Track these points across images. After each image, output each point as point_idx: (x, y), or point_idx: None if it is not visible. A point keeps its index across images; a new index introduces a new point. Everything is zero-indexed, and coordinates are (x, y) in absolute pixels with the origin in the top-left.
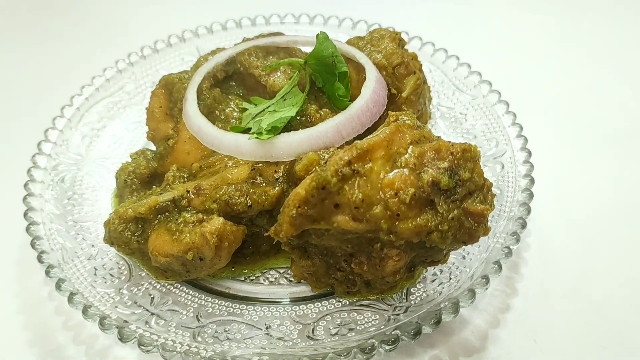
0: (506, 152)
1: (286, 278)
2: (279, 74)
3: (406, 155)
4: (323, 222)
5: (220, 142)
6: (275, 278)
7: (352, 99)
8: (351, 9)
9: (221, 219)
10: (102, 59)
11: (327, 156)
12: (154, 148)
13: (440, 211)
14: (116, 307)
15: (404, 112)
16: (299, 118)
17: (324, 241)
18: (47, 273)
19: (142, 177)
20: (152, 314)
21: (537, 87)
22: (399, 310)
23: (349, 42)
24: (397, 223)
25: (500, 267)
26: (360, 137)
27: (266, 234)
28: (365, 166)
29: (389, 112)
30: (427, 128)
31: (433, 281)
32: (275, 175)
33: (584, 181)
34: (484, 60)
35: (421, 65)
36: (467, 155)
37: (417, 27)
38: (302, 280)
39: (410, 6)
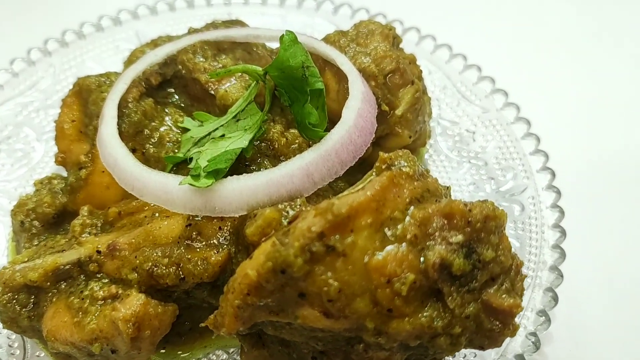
0: (527, 189)
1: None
2: (233, 81)
3: (404, 223)
4: (282, 315)
5: (142, 186)
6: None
7: (331, 116)
8: None
9: (142, 296)
10: (10, 46)
11: (291, 212)
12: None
13: (451, 306)
14: None
15: (400, 154)
16: (257, 142)
17: (284, 335)
18: None
19: (45, 217)
20: None
21: (565, 97)
22: None
23: (327, 39)
24: (389, 322)
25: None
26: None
27: (202, 325)
28: (345, 240)
29: (380, 153)
30: (432, 177)
31: None
32: (218, 235)
33: (627, 232)
34: (496, 60)
35: (421, 71)
36: (491, 226)
37: (413, 14)
38: None
39: None
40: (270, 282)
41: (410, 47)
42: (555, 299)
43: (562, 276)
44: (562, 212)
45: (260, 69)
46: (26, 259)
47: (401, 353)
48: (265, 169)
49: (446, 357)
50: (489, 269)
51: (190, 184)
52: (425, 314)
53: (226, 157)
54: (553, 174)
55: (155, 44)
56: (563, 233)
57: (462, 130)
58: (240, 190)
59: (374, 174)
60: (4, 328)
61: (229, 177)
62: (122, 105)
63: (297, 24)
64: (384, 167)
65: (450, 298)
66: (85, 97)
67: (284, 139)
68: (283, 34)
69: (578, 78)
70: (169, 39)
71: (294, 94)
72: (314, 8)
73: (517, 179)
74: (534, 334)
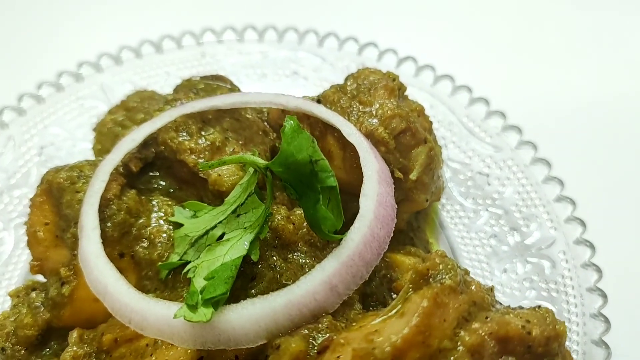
0: (556, 242)
1: None
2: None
3: (456, 355)
4: None
5: (141, 319)
6: None
7: (340, 185)
8: (314, 19)
9: None
10: None
11: (319, 337)
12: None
13: None
14: None
15: (438, 261)
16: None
17: None
18: None
19: (28, 341)
20: None
21: (584, 133)
22: None
23: (326, 99)
24: None
25: None
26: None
27: None
28: None
29: (415, 265)
30: (474, 281)
31: None
32: None
33: None
34: (503, 91)
35: (431, 123)
36: (554, 347)
37: (406, 41)
38: None
39: (394, 16)
40: None
41: (407, 79)
42: None
43: (609, 349)
44: (599, 270)
45: (262, 161)
46: None
47: None
48: (274, 265)
49: None
50: None
51: (187, 319)
52: None
53: (225, 275)
54: (584, 225)
55: (125, 107)
56: (604, 296)
57: (474, 173)
58: (257, 318)
59: (410, 289)
60: None
61: (242, 302)
62: (102, 204)
63: (279, 60)
64: (421, 281)
65: None
66: (57, 196)
67: (291, 225)
68: (285, 124)
69: (598, 107)
70: (140, 98)
71: (301, 189)
72: (296, 41)
73: (542, 230)
74: None
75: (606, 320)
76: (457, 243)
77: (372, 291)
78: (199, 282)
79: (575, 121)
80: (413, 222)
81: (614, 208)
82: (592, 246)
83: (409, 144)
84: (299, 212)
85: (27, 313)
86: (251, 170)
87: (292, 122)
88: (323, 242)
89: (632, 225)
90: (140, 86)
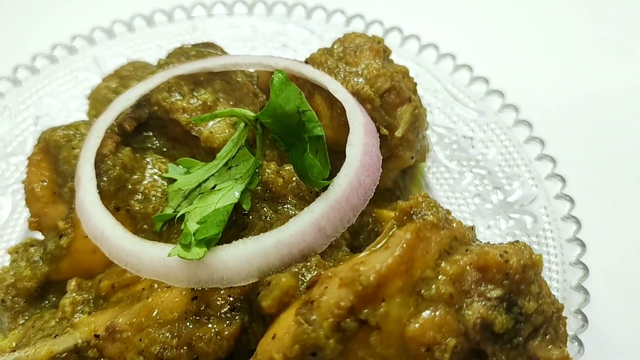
0: (537, 199)
1: None
2: (216, 120)
3: (437, 282)
4: None
5: (137, 261)
6: None
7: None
8: None
9: None
10: None
11: (307, 274)
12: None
13: None
14: None
15: (421, 200)
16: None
17: None
18: None
19: (28, 292)
20: None
21: (563, 94)
22: None
23: (313, 60)
24: None
25: None
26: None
27: None
28: (378, 312)
29: (399, 203)
30: (456, 220)
31: None
32: (228, 305)
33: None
34: (487, 58)
35: (415, 84)
36: (530, 275)
37: (393, 13)
38: None
39: None
40: None
41: (393, 49)
42: (586, 320)
43: (588, 294)
44: (578, 222)
45: (251, 113)
46: (14, 344)
47: None
48: (265, 216)
49: None
50: (531, 321)
51: (180, 256)
52: None
53: (217, 219)
54: (563, 180)
55: (118, 75)
56: (583, 246)
57: (459, 136)
58: (248, 257)
59: (394, 226)
60: None
61: (234, 242)
62: (98, 160)
63: (268, 33)
64: (404, 218)
65: (494, 359)
66: (54, 153)
67: (281, 179)
68: (273, 77)
69: (577, 72)
70: (133, 67)
71: (290, 140)
72: (285, 14)
73: (524, 188)
74: None
75: (585, 268)
76: (442, 203)
77: (360, 244)
78: (192, 226)
79: (573, 103)
80: (400, 182)
81: (593, 167)
82: (571, 200)
83: (394, 102)
84: (288, 167)
85: (26, 266)
86: (242, 125)
87: (280, 75)
88: (311, 195)
89: (610, 182)
90: (132, 59)
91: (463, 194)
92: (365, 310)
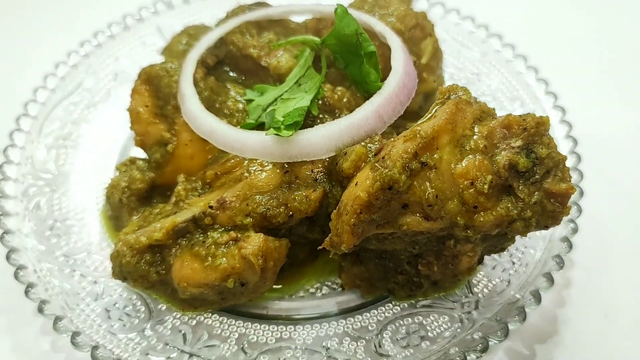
0: (535, 112)
1: (327, 286)
2: (281, 52)
3: (475, 137)
4: (388, 226)
5: (242, 144)
6: (317, 288)
7: None
8: None
9: (261, 235)
10: (44, 54)
11: (372, 146)
12: (138, 155)
13: (521, 197)
14: (147, 354)
15: (454, 86)
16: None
17: (386, 245)
18: (57, 328)
19: (139, 192)
20: (190, 354)
21: (553, 33)
22: (467, 306)
23: (352, 6)
24: (475, 216)
25: (570, 245)
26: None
27: (320, 247)
28: (434, 156)
29: (439, 88)
30: (482, 101)
31: (494, 268)
32: (312, 176)
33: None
34: (487, 9)
35: (432, 25)
36: (542, 129)
37: None
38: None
39: None
40: (379, 199)
41: None
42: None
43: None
44: (569, 125)
45: (317, 39)
46: (137, 228)
47: (481, 244)
48: (326, 120)
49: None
50: (544, 163)
51: (276, 134)
52: (502, 205)
53: (298, 112)
54: (555, 96)
55: (187, 33)
56: (578, 158)
57: (467, 74)
58: (329, 136)
59: (438, 104)
60: (132, 286)
61: (316, 126)
62: (193, 84)
63: None
64: (445, 97)
65: (519, 190)
66: (155, 83)
67: (336, 95)
68: (336, 8)
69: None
70: (196, 28)
71: (348, 57)
72: None
73: (525, 106)
74: (571, 220)
75: (578, 157)
76: None
77: None
78: (279, 116)
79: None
80: (424, 106)
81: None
82: (563, 110)
83: (419, 36)
84: (340, 88)
85: (136, 172)
86: (307, 51)
87: (342, 7)
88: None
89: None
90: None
91: None
92: (425, 155)
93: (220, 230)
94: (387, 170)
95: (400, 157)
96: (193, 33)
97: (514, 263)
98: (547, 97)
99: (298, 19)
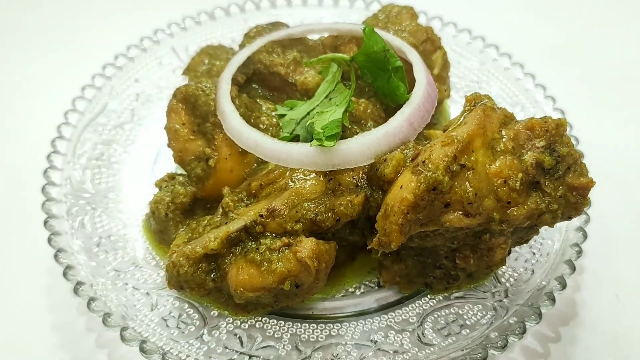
0: (535, 116)
1: (365, 284)
2: (306, 69)
3: (503, 140)
4: (431, 224)
5: (288, 156)
6: (355, 287)
7: None
8: None
9: (313, 239)
10: (64, 79)
11: (408, 152)
12: (164, 170)
13: (548, 191)
14: (210, 357)
15: (479, 94)
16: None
17: (427, 242)
18: (125, 337)
19: (183, 206)
20: (250, 356)
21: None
22: (498, 295)
23: (367, 24)
24: (509, 211)
25: (585, 234)
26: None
27: (369, 247)
28: (471, 158)
29: (466, 96)
30: (503, 107)
31: (516, 259)
32: (354, 182)
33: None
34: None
35: (439, 39)
36: (561, 130)
37: None
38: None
39: None
40: (424, 200)
41: None
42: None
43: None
44: (570, 126)
45: (346, 56)
46: (186, 239)
47: (512, 237)
48: (355, 132)
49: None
50: (565, 161)
51: (319, 145)
52: (532, 200)
53: (335, 124)
54: (554, 100)
55: (207, 53)
56: (576, 140)
57: (468, 82)
58: (367, 144)
59: (466, 112)
60: (188, 295)
61: (355, 136)
62: None
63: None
64: (471, 105)
65: (546, 186)
66: (192, 101)
67: (361, 107)
68: (364, 28)
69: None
70: (214, 48)
71: (376, 72)
72: (347, 5)
73: (525, 110)
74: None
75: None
76: None
77: None
78: (317, 129)
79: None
80: (433, 118)
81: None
82: (562, 112)
83: (430, 49)
84: (363, 100)
85: (178, 187)
86: (335, 67)
87: (369, 27)
88: (383, 119)
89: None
90: (201, 45)
91: None
92: (463, 158)
93: (271, 237)
94: (430, 173)
95: (441, 161)
96: (212, 53)
97: (534, 254)
98: (546, 100)
99: (314, 36)
